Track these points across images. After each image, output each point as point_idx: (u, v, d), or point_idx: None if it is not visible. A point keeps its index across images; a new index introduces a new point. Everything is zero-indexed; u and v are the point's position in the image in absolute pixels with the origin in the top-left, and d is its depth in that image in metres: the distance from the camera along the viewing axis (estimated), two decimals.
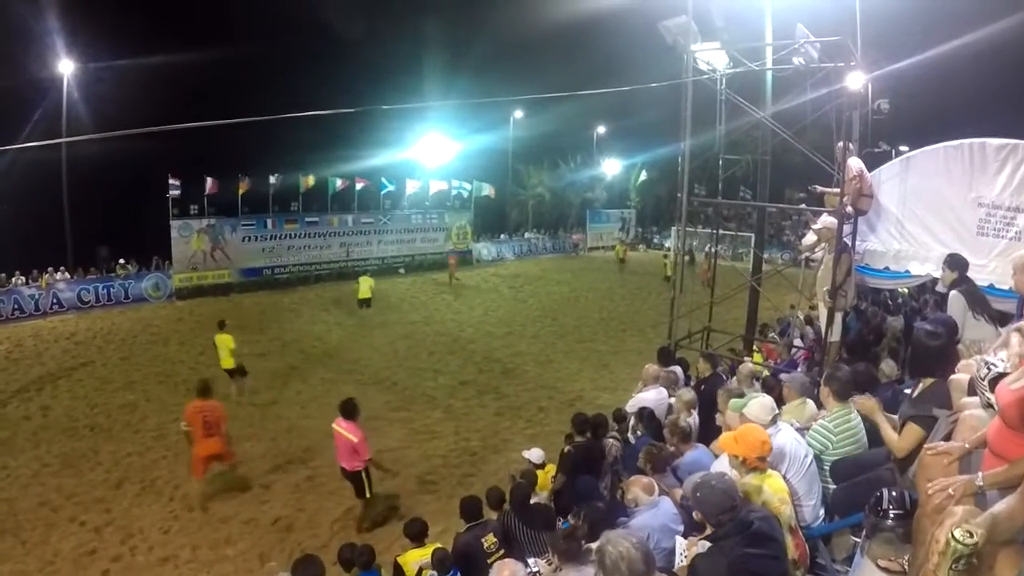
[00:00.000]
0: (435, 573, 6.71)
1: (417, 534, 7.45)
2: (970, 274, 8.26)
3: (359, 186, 37.83)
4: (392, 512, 11.61)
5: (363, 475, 10.81)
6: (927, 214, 10.31)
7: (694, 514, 4.59)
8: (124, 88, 38.12)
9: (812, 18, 11.74)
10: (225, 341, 17.31)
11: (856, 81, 11.15)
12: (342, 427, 10.61)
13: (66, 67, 34.12)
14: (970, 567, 2.56)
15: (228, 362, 17.35)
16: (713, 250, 16.75)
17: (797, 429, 6.13)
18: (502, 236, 49.10)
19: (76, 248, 33.69)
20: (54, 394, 18.09)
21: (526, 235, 50.63)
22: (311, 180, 35.56)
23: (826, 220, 10.56)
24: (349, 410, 10.70)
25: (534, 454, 9.25)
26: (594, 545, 4.46)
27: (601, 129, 60.55)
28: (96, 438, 15.17)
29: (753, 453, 5.10)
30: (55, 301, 27.95)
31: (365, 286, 27.54)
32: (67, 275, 29.54)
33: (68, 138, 34.29)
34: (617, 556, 3.69)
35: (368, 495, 10.98)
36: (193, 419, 11.52)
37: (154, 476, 13.11)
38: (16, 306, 26.90)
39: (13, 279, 27.85)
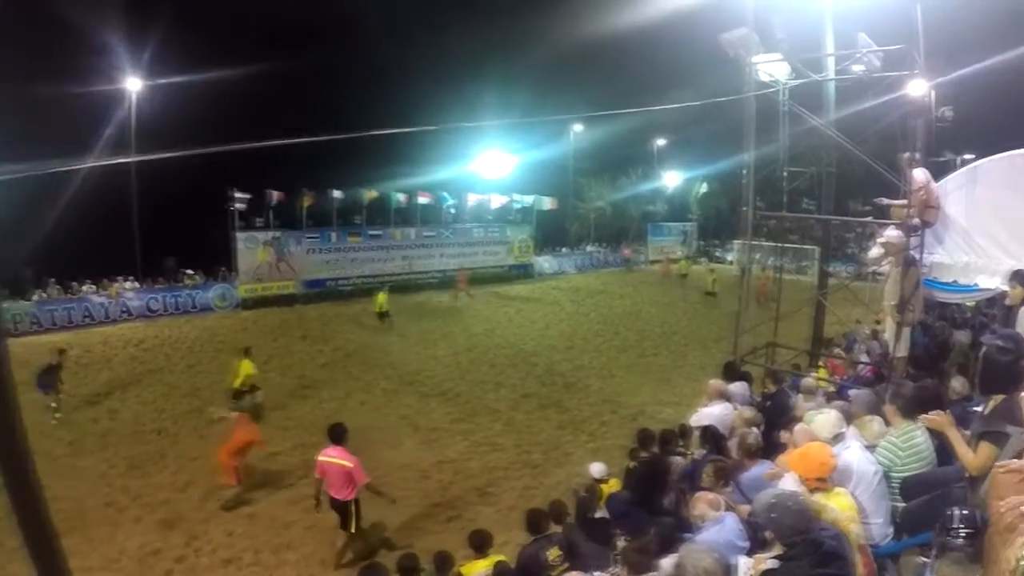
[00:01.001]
0: None
1: (481, 544, 7.43)
2: None
3: (421, 200, 38.22)
4: (380, 546, 11.03)
5: (352, 506, 10.25)
6: (995, 225, 10.10)
7: (766, 533, 4.56)
8: (191, 101, 38.96)
9: (873, 27, 11.64)
10: (245, 367, 17.72)
11: (919, 89, 10.97)
12: (332, 456, 10.09)
13: (134, 84, 35.24)
14: None
15: (236, 384, 17.62)
16: (779, 264, 16.48)
17: (865, 446, 6.06)
18: (563, 249, 49.03)
19: (144, 258, 34.68)
20: (122, 399, 18.66)
21: (587, 248, 50.39)
22: (373, 194, 36.09)
23: (892, 233, 10.40)
24: (338, 435, 10.28)
25: (596, 468, 9.24)
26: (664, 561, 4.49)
27: (661, 141, 59.82)
28: (163, 442, 15.60)
29: (813, 474, 5.07)
30: (124, 309, 29.00)
31: (381, 299, 28.02)
32: (136, 284, 30.68)
33: (136, 157, 35.06)
34: (701, 571, 3.71)
35: (354, 528, 10.46)
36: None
37: (219, 481, 13.29)
38: (86, 313, 28.04)
39: (83, 287, 28.97)
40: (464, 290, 33.12)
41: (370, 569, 6.41)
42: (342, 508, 10.21)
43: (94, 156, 32.72)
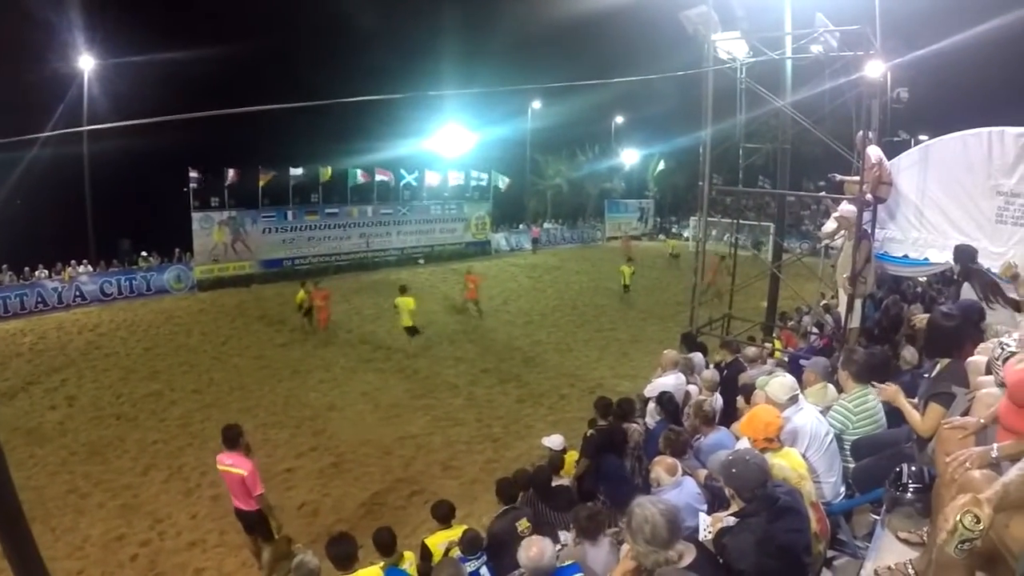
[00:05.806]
0: (462, 553, 6.83)
1: (444, 516, 7.54)
2: (988, 262, 8.35)
3: (379, 178, 38.01)
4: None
5: (264, 514, 9.10)
6: (946, 202, 10.37)
7: (726, 490, 4.66)
8: (143, 83, 38.52)
9: (831, 7, 11.84)
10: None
11: (875, 70, 11.19)
12: (227, 463, 8.81)
13: (86, 63, 34.56)
14: (974, 547, 2.68)
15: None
16: (735, 240, 16.72)
17: (819, 410, 6.22)
18: (520, 226, 49.07)
19: (98, 241, 34.05)
20: (79, 384, 18.33)
21: (544, 225, 50.38)
22: (328, 172, 35.68)
23: (846, 207, 10.64)
24: (231, 439, 8.87)
25: (553, 441, 9.35)
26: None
27: (619, 119, 59.99)
28: (122, 427, 15.40)
29: (760, 434, 5.20)
30: (78, 294, 28.25)
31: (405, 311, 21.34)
32: (89, 268, 29.90)
33: (87, 127, 34.62)
34: (642, 518, 3.78)
35: (276, 535, 9.34)
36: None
37: (181, 463, 13.34)
38: (39, 299, 27.17)
39: (36, 272, 28.17)
40: (474, 298, 26.67)
41: (339, 539, 6.44)
42: (255, 519, 9.13)
43: (45, 134, 32.48)
